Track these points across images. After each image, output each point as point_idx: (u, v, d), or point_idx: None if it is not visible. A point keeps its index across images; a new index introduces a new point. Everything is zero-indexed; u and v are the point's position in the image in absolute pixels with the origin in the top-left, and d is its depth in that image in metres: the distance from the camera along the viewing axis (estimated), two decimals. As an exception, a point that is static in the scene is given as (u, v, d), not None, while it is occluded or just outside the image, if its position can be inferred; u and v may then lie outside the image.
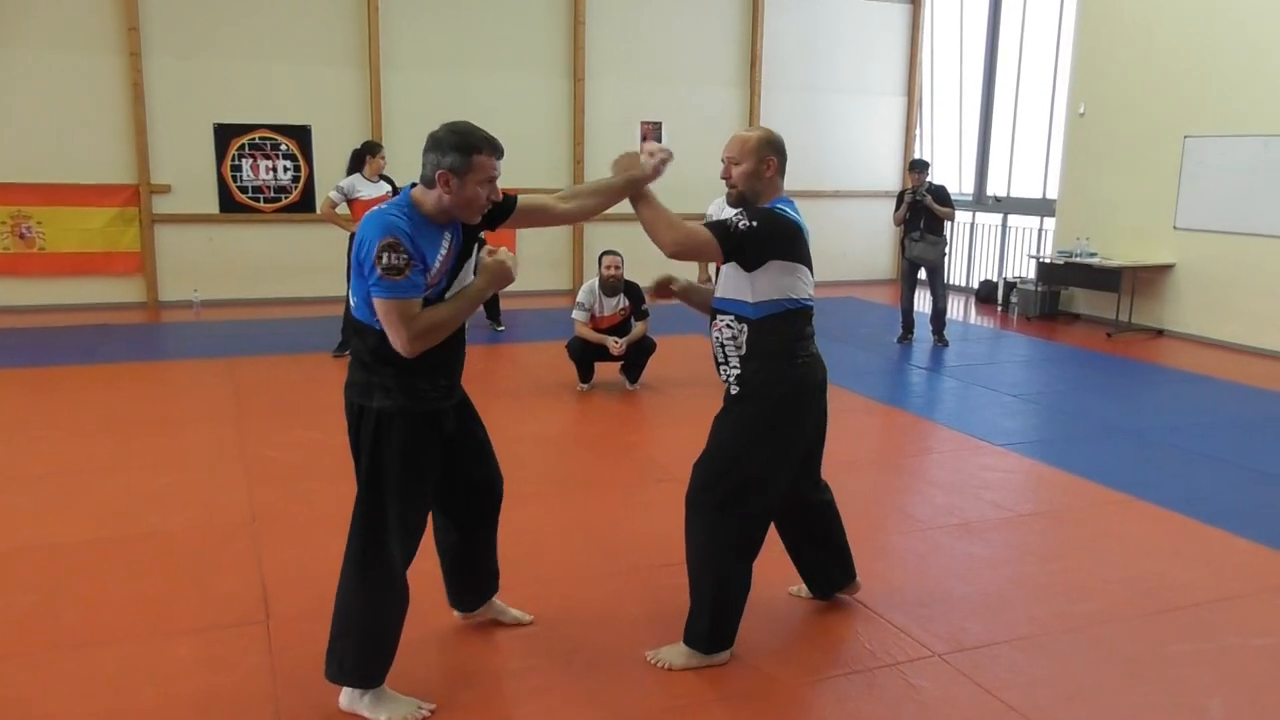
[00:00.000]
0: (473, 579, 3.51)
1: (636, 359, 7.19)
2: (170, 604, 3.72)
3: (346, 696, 3.02)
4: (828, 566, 3.75)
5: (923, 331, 9.44)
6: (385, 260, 2.70)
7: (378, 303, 2.75)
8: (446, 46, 11.15)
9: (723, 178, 3.34)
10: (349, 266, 8.11)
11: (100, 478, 5.17)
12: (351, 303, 2.92)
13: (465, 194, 2.81)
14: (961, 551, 4.38)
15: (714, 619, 3.30)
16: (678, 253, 3.18)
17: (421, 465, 2.95)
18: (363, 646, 2.96)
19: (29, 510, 4.69)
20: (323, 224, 8.83)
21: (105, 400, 6.75)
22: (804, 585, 3.83)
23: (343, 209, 8.24)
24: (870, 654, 3.44)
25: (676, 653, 3.35)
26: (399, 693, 3.04)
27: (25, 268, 10.04)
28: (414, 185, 2.88)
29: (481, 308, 8.85)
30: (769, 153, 3.27)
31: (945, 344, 9.15)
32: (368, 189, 8.12)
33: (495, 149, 2.84)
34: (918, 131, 13.73)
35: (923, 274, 9.24)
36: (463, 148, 2.77)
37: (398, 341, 2.76)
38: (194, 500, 4.84)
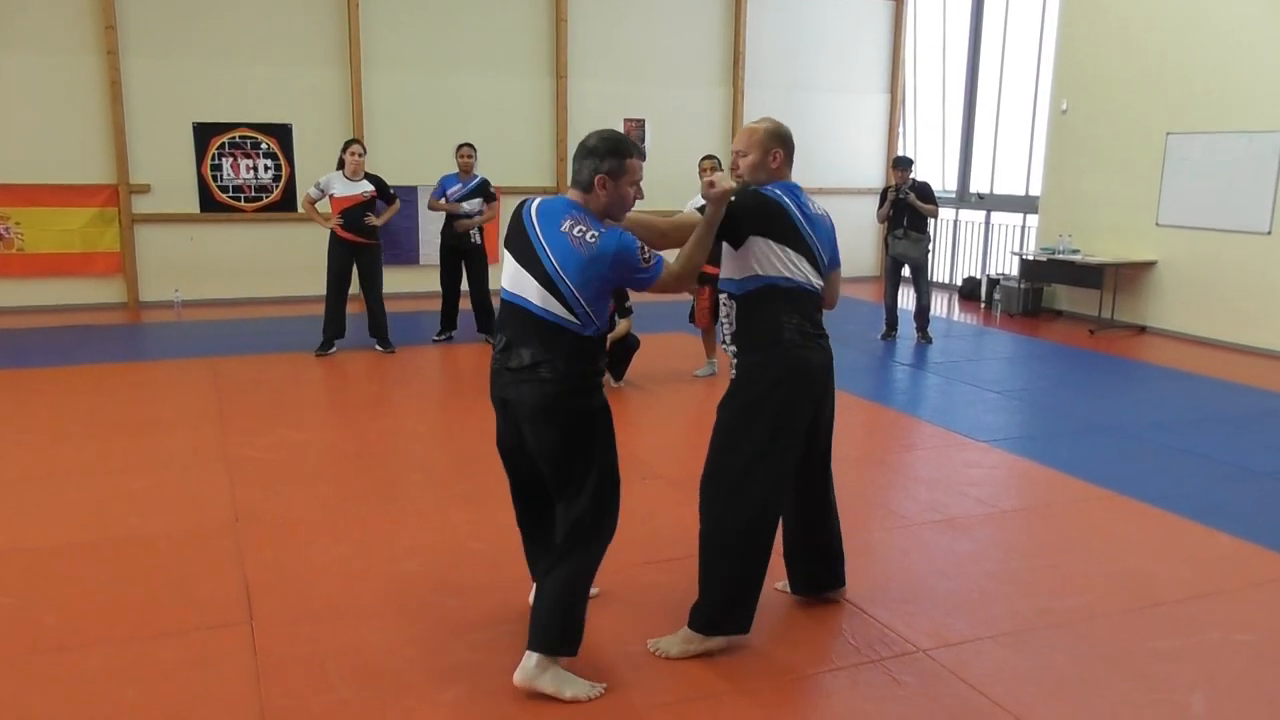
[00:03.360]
0: None
1: (620, 356, 7.18)
2: (152, 606, 3.70)
3: (525, 673, 3.10)
4: (818, 568, 3.76)
5: (906, 328, 9.46)
6: (644, 250, 3.08)
7: (662, 276, 3.12)
8: (428, 45, 11.11)
9: (731, 168, 3.51)
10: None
11: (81, 480, 5.13)
12: (551, 310, 3.06)
13: (619, 193, 3.11)
14: (945, 547, 4.39)
15: (717, 602, 3.36)
16: (679, 238, 3.34)
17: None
18: (580, 617, 3.18)
19: (8, 513, 4.65)
20: (304, 223, 8.83)
21: (86, 402, 6.70)
22: (785, 580, 3.83)
23: (323, 206, 8.21)
24: (855, 650, 3.45)
25: (673, 640, 3.40)
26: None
27: (4, 269, 9.96)
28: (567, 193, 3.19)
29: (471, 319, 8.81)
30: (774, 144, 3.44)
31: (929, 341, 9.18)
32: (342, 186, 8.10)
33: (642, 154, 3.18)
34: (901, 129, 13.77)
35: (906, 271, 9.27)
36: (618, 153, 3.08)
37: (674, 274, 3.18)
38: (176, 502, 4.81)
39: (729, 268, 3.40)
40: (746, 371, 3.38)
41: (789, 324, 3.32)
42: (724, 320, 3.46)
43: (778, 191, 3.37)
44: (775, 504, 3.42)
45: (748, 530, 3.34)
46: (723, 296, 3.45)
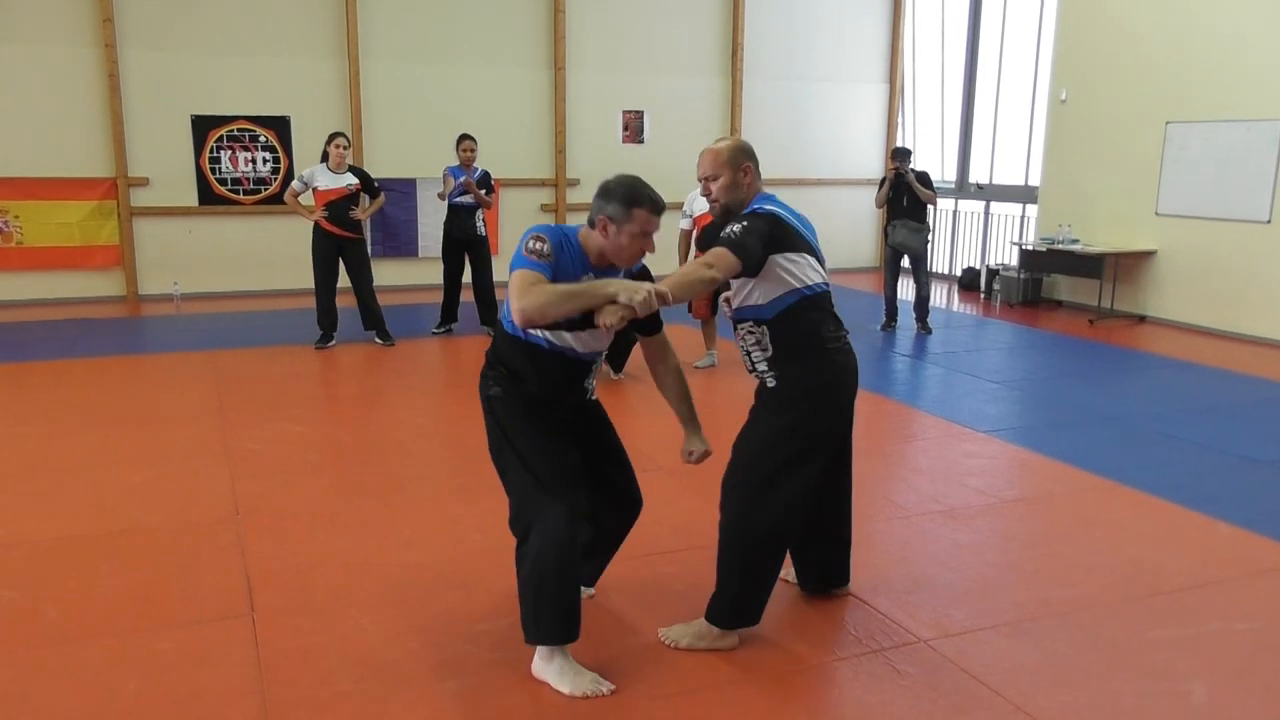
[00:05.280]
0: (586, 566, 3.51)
1: (620, 348, 7.16)
2: (153, 599, 3.70)
3: (535, 664, 3.15)
4: (831, 566, 3.76)
5: (906, 319, 9.46)
6: (529, 244, 3.00)
7: (511, 276, 2.96)
8: (426, 36, 11.09)
9: (703, 194, 3.43)
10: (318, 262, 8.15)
11: (81, 473, 5.13)
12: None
13: (618, 241, 3.03)
14: (946, 538, 4.39)
15: (737, 598, 3.35)
16: (716, 284, 3.13)
17: (529, 426, 3.15)
18: (538, 608, 3.12)
19: (9, 506, 4.65)
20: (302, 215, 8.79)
21: (85, 395, 6.70)
22: (792, 571, 3.83)
23: (306, 199, 8.18)
24: (856, 640, 3.45)
25: (685, 630, 3.40)
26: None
27: (3, 262, 9.95)
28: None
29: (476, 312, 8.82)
30: (743, 159, 3.33)
31: (928, 331, 9.17)
32: (326, 179, 8.04)
33: (657, 207, 3.05)
34: (900, 119, 13.74)
35: (906, 262, 9.26)
36: (626, 200, 3.00)
37: (512, 307, 2.94)
38: (176, 494, 4.81)
39: (751, 295, 3.27)
40: (789, 381, 3.28)
41: (828, 331, 3.29)
42: (754, 349, 3.32)
43: (769, 207, 3.26)
44: (802, 507, 3.40)
45: (772, 531, 3.33)
46: (747, 325, 3.32)
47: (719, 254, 3.08)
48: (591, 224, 3.07)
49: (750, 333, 3.33)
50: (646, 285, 2.88)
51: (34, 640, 3.40)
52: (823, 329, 3.28)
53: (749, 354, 3.37)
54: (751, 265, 3.14)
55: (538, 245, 2.98)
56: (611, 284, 2.91)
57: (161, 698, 3.04)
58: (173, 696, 3.04)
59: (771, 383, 3.33)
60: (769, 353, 3.29)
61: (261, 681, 3.13)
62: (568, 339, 3.10)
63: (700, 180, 3.39)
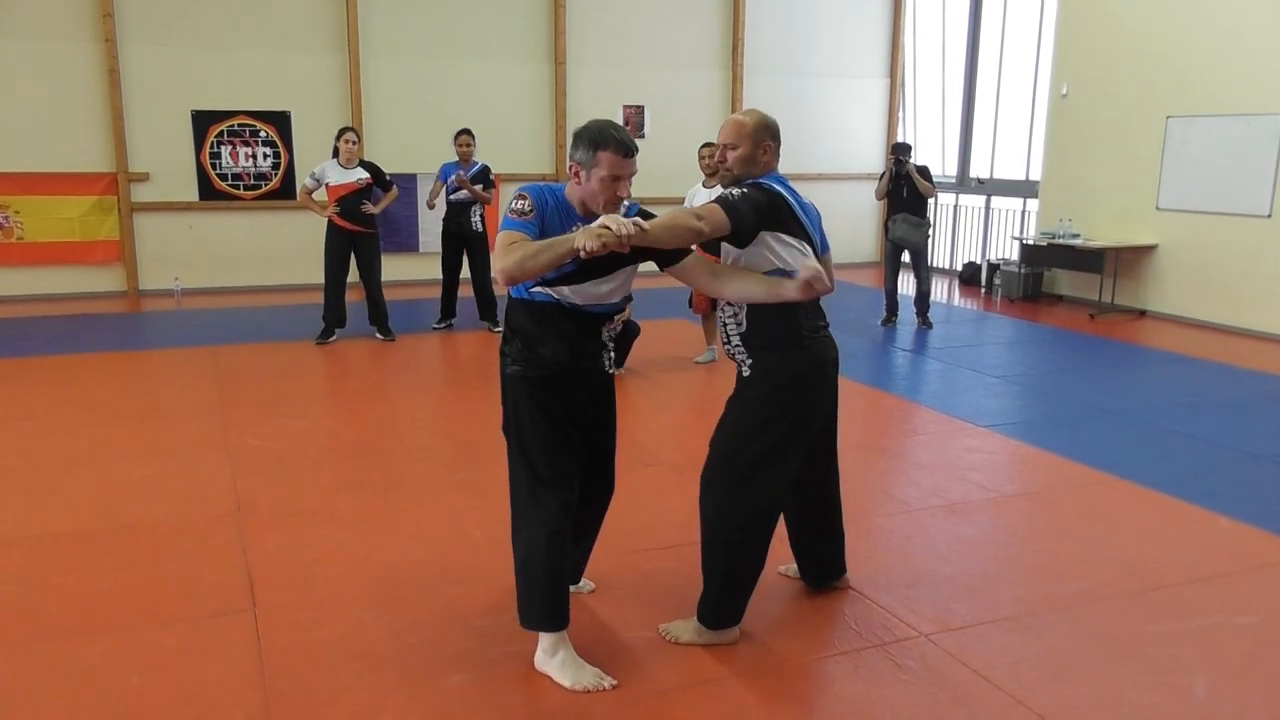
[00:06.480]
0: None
1: (620, 343, 7.17)
2: (155, 594, 3.70)
3: (538, 656, 3.18)
4: (826, 559, 3.76)
5: (906, 314, 9.46)
6: (513, 204, 2.99)
7: (497, 237, 2.98)
8: (426, 31, 11.07)
9: (718, 162, 3.39)
10: (336, 254, 8.18)
11: (82, 468, 5.14)
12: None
13: (590, 187, 3.00)
14: (947, 533, 4.40)
15: (720, 595, 3.34)
16: (701, 237, 3.07)
17: (539, 416, 3.11)
18: (527, 594, 3.18)
19: (10, 501, 4.66)
20: (304, 211, 8.81)
21: (86, 390, 6.70)
22: (794, 564, 3.84)
23: (319, 195, 8.20)
24: (857, 635, 3.46)
25: (685, 627, 3.40)
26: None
27: (3, 257, 9.95)
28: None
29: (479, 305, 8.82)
30: (766, 137, 3.32)
31: (929, 326, 9.17)
32: (336, 175, 8.07)
33: (624, 148, 2.98)
34: (900, 113, 13.73)
35: (906, 257, 9.25)
36: (592, 143, 2.96)
37: (494, 266, 2.95)
38: (177, 490, 4.81)
39: (735, 266, 3.28)
40: (764, 370, 3.28)
41: (806, 320, 3.27)
42: (729, 321, 3.31)
43: (775, 186, 3.26)
44: (781, 500, 3.40)
45: (752, 525, 3.31)
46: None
47: (711, 209, 3.08)
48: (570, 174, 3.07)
49: (730, 304, 3.31)
50: (616, 218, 2.79)
51: (36, 635, 3.40)
52: (802, 318, 3.25)
53: (725, 326, 3.35)
54: (739, 230, 3.12)
55: (519, 204, 2.99)
56: (578, 233, 2.81)
57: (163, 692, 3.04)
58: (175, 691, 3.05)
59: (746, 371, 3.33)
60: (743, 328, 3.28)
61: (263, 676, 3.14)
62: (565, 292, 3.05)
63: (719, 146, 3.36)
